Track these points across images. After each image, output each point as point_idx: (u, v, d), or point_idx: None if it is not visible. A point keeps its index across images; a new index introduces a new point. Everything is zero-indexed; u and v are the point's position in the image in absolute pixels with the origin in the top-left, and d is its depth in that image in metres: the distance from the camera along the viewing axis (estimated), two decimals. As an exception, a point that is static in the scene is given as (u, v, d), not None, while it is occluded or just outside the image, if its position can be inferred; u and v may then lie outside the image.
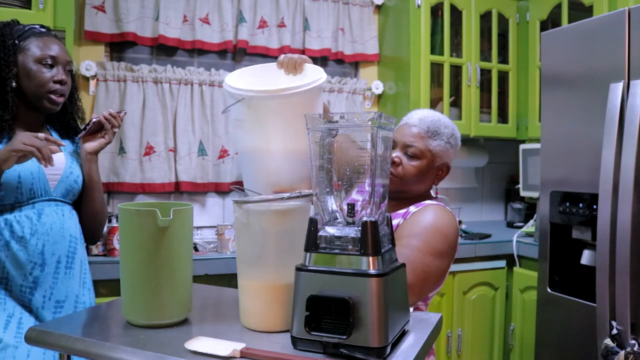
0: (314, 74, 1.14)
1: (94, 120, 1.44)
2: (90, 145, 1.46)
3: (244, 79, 1.13)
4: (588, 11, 2.39)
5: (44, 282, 1.32)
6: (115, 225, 1.97)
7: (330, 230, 0.90)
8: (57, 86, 1.38)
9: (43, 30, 1.41)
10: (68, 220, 1.40)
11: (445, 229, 1.30)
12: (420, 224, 1.30)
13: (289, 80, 1.19)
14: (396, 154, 1.38)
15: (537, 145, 2.52)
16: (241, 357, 0.85)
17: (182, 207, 1.02)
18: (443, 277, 1.33)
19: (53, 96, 1.37)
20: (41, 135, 1.25)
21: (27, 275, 1.30)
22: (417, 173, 1.38)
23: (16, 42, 1.34)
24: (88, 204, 1.48)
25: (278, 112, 1.05)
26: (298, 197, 0.97)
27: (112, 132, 1.48)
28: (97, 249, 1.93)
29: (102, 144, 1.47)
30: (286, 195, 0.96)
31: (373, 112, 0.90)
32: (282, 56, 1.21)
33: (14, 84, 1.33)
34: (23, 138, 1.21)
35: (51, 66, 1.37)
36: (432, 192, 1.52)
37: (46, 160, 1.21)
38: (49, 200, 1.37)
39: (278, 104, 1.04)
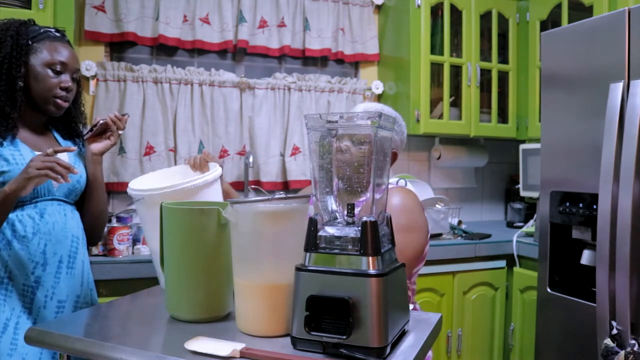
0: (210, 171, 1.40)
1: (101, 122, 1.46)
2: (97, 147, 1.48)
3: (150, 182, 1.41)
4: (588, 11, 2.38)
5: (45, 282, 1.32)
6: (115, 225, 1.97)
7: (330, 230, 0.90)
8: (63, 93, 1.39)
9: (58, 34, 1.41)
10: (70, 220, 1.40)
11: (408, 206, 1.44)
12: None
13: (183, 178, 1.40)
14: (345, 143, 1.37)
15: (537, 145, 2.51)
16: (241, 357, 0.85)
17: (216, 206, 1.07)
18: (419, 249, 1.44)
19: (59, 101, 1.38)
20: (49, 151, 1.25)
21: (29, 275, 1.30)
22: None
23: (29, 42, 1.35)
24: (92, 204, 1.49)
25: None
26: (292, 197, 0.97)
27: (117, 134, 1.51)
28: (97, 249, 1.93)
29: (108, 145, 1.50)
30: (278, 196, 0.96)
31: (373, 112, 0.90)
32: (190, 160, 1.52)
33: (21, 83, 1.33)
34: (35, 163, 1.22)
35: (59, 72, 1.37)
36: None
37: (63, 177, 1.22)
38: (52, 199, 1.37)
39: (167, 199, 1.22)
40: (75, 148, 1.34)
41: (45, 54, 1.36)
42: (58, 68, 1.37)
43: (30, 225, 1.31)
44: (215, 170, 1.37)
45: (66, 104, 1.41)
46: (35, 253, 1.31)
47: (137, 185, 1.34)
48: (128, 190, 1.32)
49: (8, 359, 1.24)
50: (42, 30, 1.39)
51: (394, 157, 1.55)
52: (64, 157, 1.41)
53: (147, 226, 1.31)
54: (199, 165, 1.51)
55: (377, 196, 0.92)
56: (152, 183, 1.39)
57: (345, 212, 0.91)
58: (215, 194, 1.35)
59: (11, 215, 1.30)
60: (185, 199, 1.23)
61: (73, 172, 1.24)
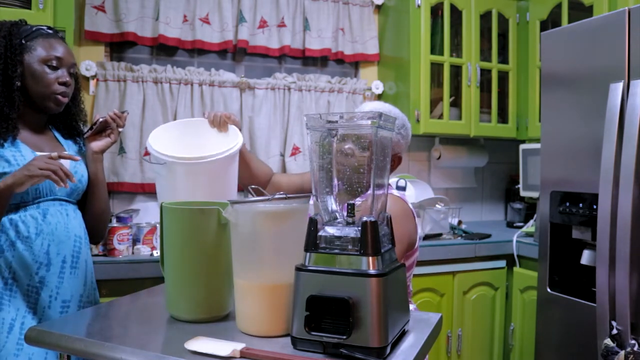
0: (232, 139, 1.40)
1: (101, 120, 1.46)
2: (97, 145, 1.48)
3: (170, 133, 1.43)
4: (588, 11, 2.38)
5: (50, 282, 1.32)
6: (115, 225, 1.97)
7: (330, 230, 0.90)
8: (62, 88, 1.38)
9: (50, 31, 1.41)
10: (72, 220, 1.40)
11: (392, 214, 1.39)
12: None
13: (207, 142, 1.43)
14: (348, 145, 1.32)
15: (537, 145, 2.51)
16: (241, 357, 0.85)
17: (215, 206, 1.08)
18: (401, 257, 1.38)
19: (58, 97, 1.38)
20: (54, 154, 1.27)
21: (33, 275, 1.30)
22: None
23: (23, 41, 1.35)
24: (94, 202, 1.49)
25: (190, 176, 1.31)
26: (292, 197, 0.97)
27: (117, 132, 1.50)
28: (97, 249, 1.93)
29: (108, 143, 1.50)
30: (278, 196, 0.96)
31: (373, 112, 0.90)
32: (211, 114, 1.46)
33: (18, 83, 1.33)
34: (39, 162, 1.23)
35: (56, 68, 1.37)
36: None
37: (63, 181, 1.24)
38: (54, 199, 1.37)
39: (189, 170, 1.30)
40: (79, 158, 1.34)
41: (40, 51, 1.36)
42: (54, 63, 1.37)
43: (33, 225, 1.31)
44: (236, 142, 1.37)
45: (65, 100, 1.41)
46: (39, 254, 1.31)
47: (158, 141, 1.37)
48: (149, 148, 1.34)
49: (15, 359, 1.24)
50: (34, 29, 1.39)
51: (398, 161, 1.53)
52: (65, 163, 1.41)
53: (162, 186, 1.38)
54: (219, 124, 1.46)
55: (377, 195, 0.92)
56: (171, 144, 1.39)
57: (345, 212, 0.91)
58: (233, 169, 1.39)
59: (14, 216, 1.30)
60: (206, 169, 1.29)
61: (71, 181, 1.26)
